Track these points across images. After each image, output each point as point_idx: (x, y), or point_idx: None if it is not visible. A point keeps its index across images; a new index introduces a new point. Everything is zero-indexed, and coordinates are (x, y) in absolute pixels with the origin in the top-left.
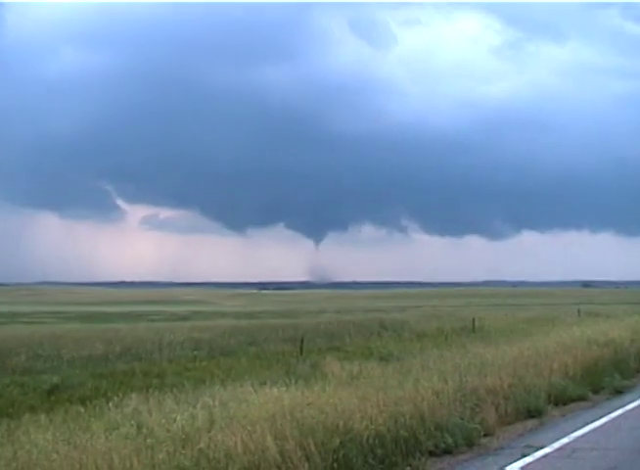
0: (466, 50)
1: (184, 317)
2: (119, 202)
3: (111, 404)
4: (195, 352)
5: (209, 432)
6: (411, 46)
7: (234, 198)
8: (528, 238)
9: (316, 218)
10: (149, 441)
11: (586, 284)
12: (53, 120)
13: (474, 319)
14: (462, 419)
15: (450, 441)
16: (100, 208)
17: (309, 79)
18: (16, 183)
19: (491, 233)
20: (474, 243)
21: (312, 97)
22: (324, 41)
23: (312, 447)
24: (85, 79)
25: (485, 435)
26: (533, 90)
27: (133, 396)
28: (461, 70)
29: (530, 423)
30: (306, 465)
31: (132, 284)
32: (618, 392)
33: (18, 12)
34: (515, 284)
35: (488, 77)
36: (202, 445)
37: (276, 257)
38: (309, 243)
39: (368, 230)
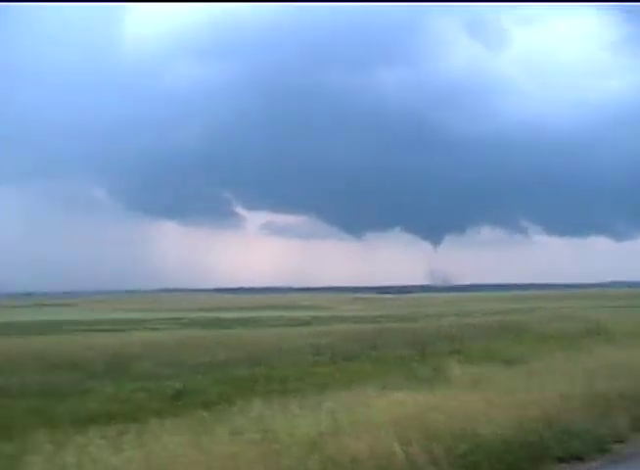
0: (582, 47)
1: (304, 322)
2: (238, 208)
3: (234, 409)
4: (316, 357)
5: (335, 437)
6: (526, 45)
7: (351, 202)
8: None
9: (434, 221)
10: (275, 446)
11: None
12: (174, 131)
13: (599, 321)
14: (592, 425)
15: (580, 447)
16: (219, 214)
17: (425, 82)
18: (139, 192)
19: (616, 233)
20: (598, 243)
21: (428, 99)
22: (439, 43)
23: (439, 452)
24: (203, 90)
25: (617, 441)
26: None
27: (256, 401)
28: (578, 67)
29: None
30: None
31: (251, 290)
32: None
33: (137, 19)
34: None
35: (607, 74)
36: (328, 450)
37: (395, 260)
38: (428, 246)
39: (487, 232)
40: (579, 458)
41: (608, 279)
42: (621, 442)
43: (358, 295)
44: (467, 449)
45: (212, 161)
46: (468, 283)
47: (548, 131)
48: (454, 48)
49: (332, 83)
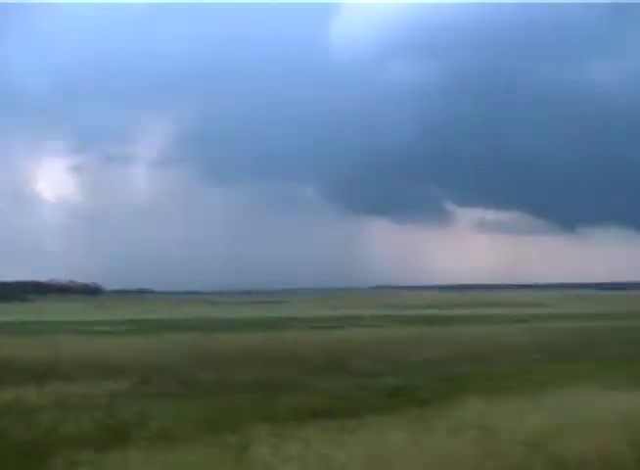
0: None
1: (521, 320)
2: (448, 205)
3: (452, 407)
4: (534, 355)
5: (559, 437)
6: None
7: (564, 197)
8: None
9: None
10: (496, 445)
11: None
12: (385, 130)
13: None
14: None
15: None
16: (430, 211)
17: (630, 70)
18: (352, 191)
19: None
20: None
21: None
22: None
23: None
24: (413, 88)
25: None
26: None
27: (473, 398)
28: None
29: None
30: None
31: (467, 287)
32: None
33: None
34: None
35: None
36: (553, 450)
37: (612, 256)
38: None
39: None
40: None
41: None
42: None
43: (575, 291)
44: None
45: (422, 158)
46: None
47: None
48: None
49: (545, 80)
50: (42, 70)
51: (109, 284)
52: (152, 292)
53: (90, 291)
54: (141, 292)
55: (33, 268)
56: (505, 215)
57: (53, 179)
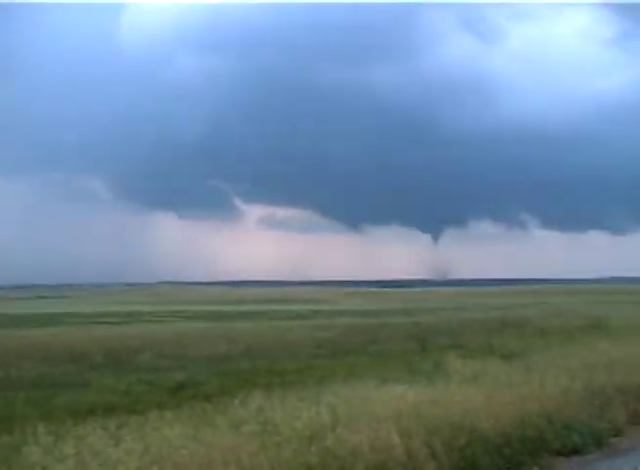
0: (577, 43)
1: (304, 316)
2: (237, 201)
3: (235, 402)
4: (316, 351)
5: (335, 430)
6: (521, 41)
7: (350, 196)
8: None
9: (434, 215)
10: (275, 438)
11: None
12: (175, 125)
13: (599, 316)
14: (590, 418)
15: (578, 441)
16: (218, 207)
17: (421, 77)
18: (140, 186)
19: (613, 227)
20: (597, 238)
21: (426, 95)
22: (434, 39)
23: (438, 446)
24: (202, 84)
25: (615, 435)
26: None
27: (257, 393)
28: (574, 63)
29: None
30: (432, 464)
31: (252, 283)
32: None
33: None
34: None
35: (602, 70)
36: (328, 442)
37: (395, 254)
38: (428, 240)
39: (487, 226)
40: (577, 452)
41: (606, 274)
42: (619, 435)
43: (358, 288)
44: (466, 443)
45: (211, 154)
46: (468, 277)
47: (546, 126)
48: (449, 43)
49: (329, 80)
50: None
51: None
52: None
53: None
54: None
55: None
56: (292, 213)
57: None
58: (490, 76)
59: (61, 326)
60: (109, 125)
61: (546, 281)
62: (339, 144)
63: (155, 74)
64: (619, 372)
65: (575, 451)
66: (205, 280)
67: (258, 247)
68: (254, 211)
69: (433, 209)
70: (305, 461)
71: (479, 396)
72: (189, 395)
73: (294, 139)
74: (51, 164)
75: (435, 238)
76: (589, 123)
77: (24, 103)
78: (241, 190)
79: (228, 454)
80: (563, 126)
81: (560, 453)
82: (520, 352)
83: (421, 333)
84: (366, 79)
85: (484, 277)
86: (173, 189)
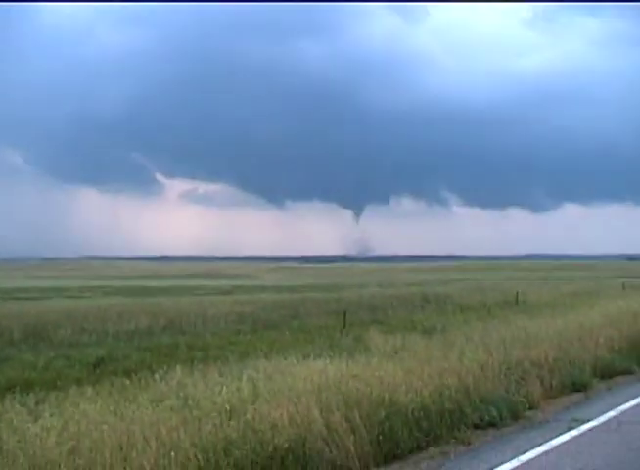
0: (498, 23)
1: (227, 291)
2: (158, 176)
3: (156, 377)
4: (238, 326)
5: (255, 404)
6: (444, 19)
7: (273, 172)
8: (571, 211)
9: (356, 192)
10: (195, 413)
11: (631, 257)
12: (97, 99)
13: (517, 292)
14: (507, 392)
15: (495, 414)
16: (138, 182)
17: (345, 54)
18: (61, 160)
19: (533, 206)
20: (516, 216)
21: (349, 71)
22: (357, 17)
23: (358, 420)
24: (123, 57)
25: (531, 408)
26: (568, 62)
27: (178, 368)
28: (495, 42)
29: (576, 397)
30: (352, 437)
31: (175, 258)
32: None
33: None
34: (558, 257)
35: (523, 50)
36: (248, 417)
37: (316, 230)
38: (350, 217)
39: (408, 203)
40: (494, 425)
41: (526, 251)
42: (535, 408)
43: (280, 264)
44: (385, 417)
45: (132, 128)
46: (389, 254)
47: (468, 105)
48: (372, 21)
49: (252, 55)
50: None
51: None
52: None
53: None
54: None
55: None
56: (214, 188)
57: None
58: (413, 55)
59: None
60: (29, 100)
61: (467, 258)
62: (261, 119)
63: (76, 50)
64: (535, 347)
65: (492, 424)
66: (127, 255)
67: (180, 222)
68: (176, 186)
69: (354, 185)
70: (225, 436)
71: (398, 370)
72: (109, 370)
73: (216, 114)
74: None
75: (357, 214)
76: (510, 103)
77: None
78: (162, 164)
79: (148, 429)
80: (484, 105)
81: (477, 426)
82: (440, 328)
83: (342, 308)
84: (289, 55)
85: (406, 253)
86: (94, 163)
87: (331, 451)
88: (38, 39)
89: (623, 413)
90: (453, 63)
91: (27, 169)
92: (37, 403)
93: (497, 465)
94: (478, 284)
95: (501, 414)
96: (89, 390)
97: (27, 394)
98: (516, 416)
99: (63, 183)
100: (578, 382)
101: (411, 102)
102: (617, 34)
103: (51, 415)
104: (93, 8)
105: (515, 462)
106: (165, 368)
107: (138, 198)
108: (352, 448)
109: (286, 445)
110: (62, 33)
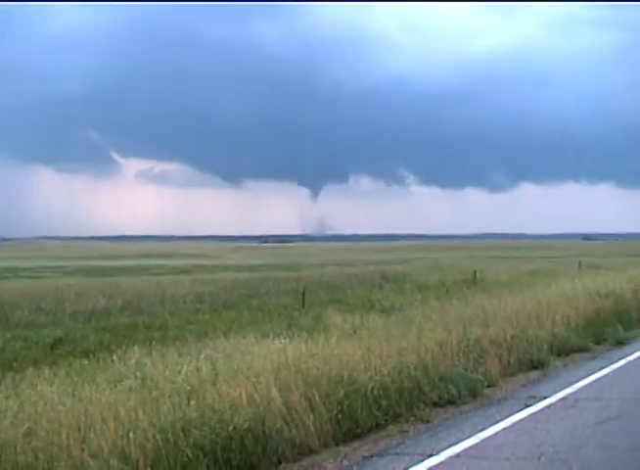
0: (453, 4)
1: (186, 271)
2: (114, 155)
3: (114, 357)
4: (197, 306)
5: (214, 384)
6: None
7: (230, 151)
8: (527, 190)
9: (314, 171)
10: (154, 393)
11: (586, 237)
12: (54, 78)
13: (475, 271)
14: (465, 370)
15: (454, 392)
16: (95, 161)
17: (300, 33)
18: (15, 139)
19: (490, 185)
20: (473, 195)
21: (307, 51)
22: None
23: (317, 399)
24: (83, 35)
25: (489, 386)
26: (523, 44)
27: (136, 349)
28: (450, 24)
29: (534, 374)
30: (311, 416)
31: (133, 238)
32: (620, 343)
33: None
34: (514, 237)
35: (478, 31)
36: (207, 397)
37: (274, 209)
38: (308, 196)
39: (366, 182)
40: (453, 403)
41: (483, 230)
42: (493, 386)
43: (239, 243)
44: (344, 395)
45: (88, 107)
46: (348, 233)
47: (424, 85)
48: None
49: (212, 34)
50: None
51: None
52: None
53: None
54: None
55: None
56: (171, 167)
57: None
58: (370, 36)
59: None
60: None
61: (425, 237)
62: (218, 98)
63: (34, 29)
64: (493, 325)
65: (451, 402)
66: (85, 235)
67: (138, 201)
68: (132, 165)
69: (312, 164)
70: (184, 416)
71: (357, 349)
72: (67, 351)
73: (173, 93)
74: None
75: (315, 193)
76: (467, 84)
77: None
78: (118, 143)
79: (106, 410)
80: (441, 86)
81: (436, 404)
82: (398, 307)
83: (301, 288)
84: (248, 34)
85: (364, 233)
86: (50, 142)
87: (290, 430)
88: None
89: (580, 390)
90: (409, 44)
91: None
92: None
93: (456, 443)
94: (436, 263)
95: (460, 392)
96: (47, 371)
97: None
98: (474, 394)
99: (19, 163)
100: (536, 360)
101: (369, 82)
102: (573, 17)
103: (6, 397)
104: None
105: (473, 440)
106: (124, 349)
107: (95, 177)
108: (312, 427)
109: (245, 424)
110: (14, 14)
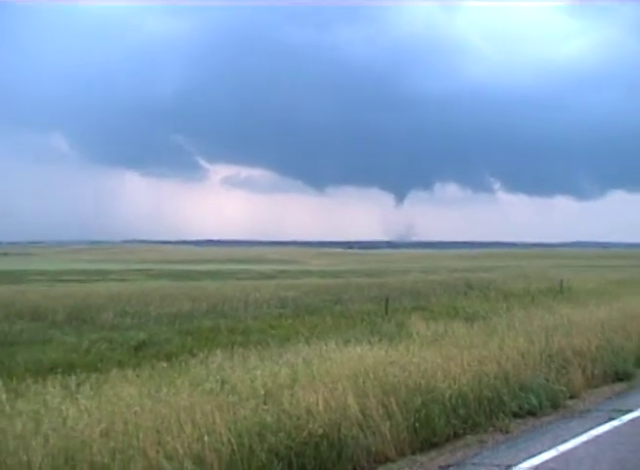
0: (535, 9)
1: (270, 276)
2: (201, 160)
3: (196, 361)
4: (280, 311)
5: (292, 389)
6: (481, 6)
7: (316, 157)
8: (617, 197)
9: (399, 178)
10: (231, 397)
11: None
12: (146, 83)
13: (561, 280)
14: (547, 380)
15: (535, 402)
16: (182, 166)
17: (385, 40)
18: (105, 143)
19: (579, 193)
20: (562, 203)
21: (389, 57)
22: (397, 3)
23: (394, 406)
24: (171, 44)
25: (571, 397)
26: (606, 49)
27: (218, 352)
28: (531, 30)
29: (618, 386)
30: (388, 423)
31: (219, 242)
32: None
33: None
34: (604, 245)
35: (560, 37)
36: (284, 401)
37: (359, 216)
38: (393, 202)
39: (452, 189)
40: (534, 413)
41: (571, 239)
42: (575, 397)
43: (324, 249)
44: (422, 403)
45: (175, 113)
46: (433, 240)
47: (509, 91)
48: (412, 7)
49: (295, 41)
50: None
51: None
52: None
53: None
54: None
55: None
56: (256, 173)
57: None
58: (453, 43)
59: (24, 283)
60: (74, 85)
61: (511, 245)
62: (303, 105)
63: (121, 39)
64: (578, 335)
65: (532, 413)
66: (171, 239)
67: (224, 206)
68: (218, 171)
69: (398, 171)
70: (260, 420)
71: (438, 357)
72: (150, 353)
73: (258, 99)
74: (14, 122)
75: (400, 200)
76: (550, 89)
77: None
78: (205, 149)
79: (184, 413)
80: (525, 92)
81: (516, 415)
82: (482, 315)
83: (385, 295)
84: (332, 41)
85: (449, 240)
86: (137, 147)
87: (366, 437)
88: (82, 29)
89: None
90: (491, 50)
91: (73, 154)
92: (78, 385)
93: (535, 454)
94: (522, 271)
95: (541, 403)
96: (130, 373)
97: (69, 375)
98: (556, 405)
99: (108, 167)
100: (621, 371)
101: (453, 89)
102: None
103: (88, 397)
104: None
105: (553, 452)
106: (206, 352)
107: (181, 182)
108: (388, 435)
109: (321, 430)
110: (106, 24)
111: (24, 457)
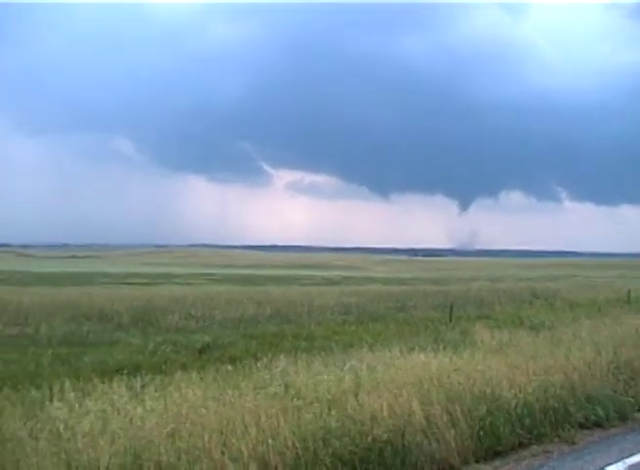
0: (601, 14)
1: (334, 282)
2: (265, 166)
3: (260, 365)
4: (343, 317)
5: (355, 395)
6: (546, 13)
7: (380, 163)
8: None
9: (464, 185)
10: (296, 401)
11: None
12: (209, 89)
13: (629, 290)
14: (615, 392)
15: (602, 413)
16: (247, 171)
17: (449, 47)
18: (170, 148)
19: None
20: (629, 212)
21: (456, 65)
22: (461, 10)
23: (458, 414)
24: (231, 50)
25: (639, 409)
26: None
27: (282, 357)
28: (598, 35)
29: None
30: (452, 431)
31: (284, 248)
32: None
33: None
34: None
35: (627, 42)
36: (348, 407)
37: (423, 223)
38: (457, 210)
39: (518, 197)
40: (600, 425)
41: (638, 249)
42: None
43: (388, 256)
44: (487, 412)
45: (240, 119)
46: (497, 248)
47: (574, 98)
48: (475, 14)
49: (359, 48)
50: None
51: None
52: None
53: None
54: None
55: None
56: (320, 179)
57: None
58: (518, 49)
59: (92, 285)
60: (141, 90)
61: (577, 254)
62: (367, 112)
63: (187, 43)
64: None
65: (598, 424)
66: (236, 244)
67: (289, 212)
68: (283, 176)
69: (462, 178)
70: (325, 425)
71: (503, 365)
72: (214, 356)
73: (323, 106)
74: (83, 126)
75: (464, 207)
76: (617, 96)
77: (56, 62)
78: (269, 154)
79: (248, 416)
80: (591, 98)
81: (582, 426)
82: (548, 324)
83: (449, 302)
84: (396, 48)
85: (515, 248)
86: (203, 152)
87: (430, 444)
88: (148, 34)
89: None
90: (557, 56)
91: (139, 158)
92: (143, 386)
93: (602, 467)
94: (588, 281)
95: (608, 414)
96: (194, 375)
97: (135, 376)
98: (624, 417)
99: (173, 171)
100: None
101: (518, 95)
102: None
103: (154, 398)
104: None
105: (620, 465)
106: (270, 356)
107: (246, 187)
108: (452, 442)
109: (385, 436)
110: (171, 28)
111: (93, 455)
